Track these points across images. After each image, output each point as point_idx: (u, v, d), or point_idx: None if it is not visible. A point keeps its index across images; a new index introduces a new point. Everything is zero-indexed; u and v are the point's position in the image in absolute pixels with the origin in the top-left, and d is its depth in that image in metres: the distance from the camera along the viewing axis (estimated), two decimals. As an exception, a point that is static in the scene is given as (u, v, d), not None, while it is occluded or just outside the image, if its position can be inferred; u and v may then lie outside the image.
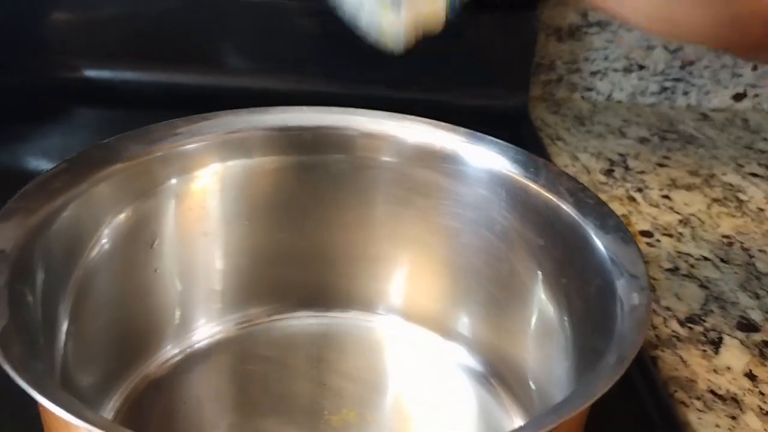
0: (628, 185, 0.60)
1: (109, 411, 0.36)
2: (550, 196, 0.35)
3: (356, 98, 0.61)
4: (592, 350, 0.29)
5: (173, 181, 0.37)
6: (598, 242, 0.31)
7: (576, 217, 0.33)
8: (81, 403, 0.23)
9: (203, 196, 0.39)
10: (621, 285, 0.29)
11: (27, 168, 0.61)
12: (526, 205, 0.36)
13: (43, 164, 0.61)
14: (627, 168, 0.63)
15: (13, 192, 0.57)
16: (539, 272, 0.35)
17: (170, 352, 0.40)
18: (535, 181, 0.36)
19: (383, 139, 0.40)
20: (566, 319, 0.33)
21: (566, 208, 0.34)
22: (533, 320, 0.36)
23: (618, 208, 0.57)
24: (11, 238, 0.29)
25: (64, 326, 0.32)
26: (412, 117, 0.40)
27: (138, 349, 0.39)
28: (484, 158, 0.38)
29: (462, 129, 0.39)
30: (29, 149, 0.63)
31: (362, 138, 0.40)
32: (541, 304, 0.35)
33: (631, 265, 0.29)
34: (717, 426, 0.39)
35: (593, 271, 0.31)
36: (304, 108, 0.40)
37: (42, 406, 0.23)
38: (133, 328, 0.38)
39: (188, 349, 0.40)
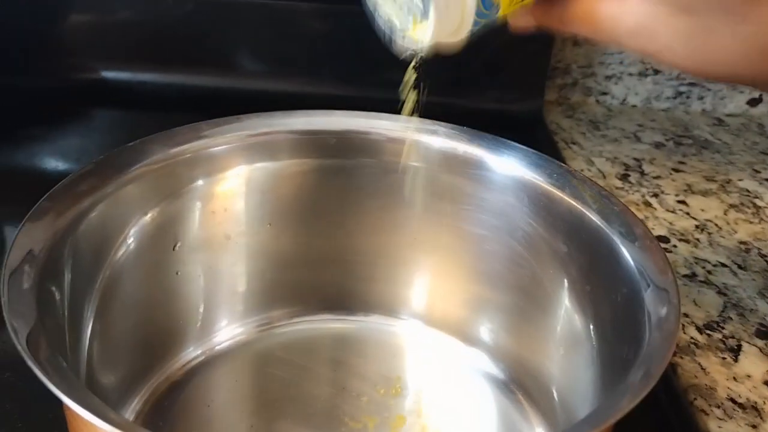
0: (644, 190, 0.60)
1: (131, 411, 0.36)
2: (575, 203, 0.35)
3: (369, 101, 0.60)
4: (619, 360, 0.28)
5: (199, 182, 0.37)
6: (624, 251, 0.31)
7: (601, 225, 0.33)
8: (105, 404, 0.23)
9: (228, 198, 0.39)
10: (648, 296, 0.28)
11: (45, 169, 0.62)
12: (550, 212, 0.36)
13: (60, 165, 0.62)
14: (642, 173, 0.63)
15: (31, 192, 0.57)
16: (564, 280, 0.35)
17: (192, 353, 0.40)
18: (559, 188, 0.36)
19: (414, 145, 0.39)
20: (592, 327, 0.33)
21: (591, 215, 0.34)
22: (558, 328, 0.36)
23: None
24: (40, 239, 0.29)
25: (90, 326, 0.32)
26: (437, 122, 0.40)
27: (161, 350, 0.39)
28: (508, 164, 0.38)
29: (486, 134, 0.39)
30: (47, 150, 0.64)
31: (389, 143, 0.40)
32: (567, 311, 0.35)
33: (658, 276, 0.29)
34: (737, 434, 0.39)
35: (619, 279, 0.31)
36: (330, 111, 0.40)
37: (67, 406, 0.23)
38: (156, 330, 0.38)
39: (210, 351, 0.41)
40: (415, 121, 0.39)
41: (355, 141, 0.40)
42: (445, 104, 0.66)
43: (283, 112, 0.40)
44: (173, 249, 0.38)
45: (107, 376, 0.35)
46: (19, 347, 0.24)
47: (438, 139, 0.40)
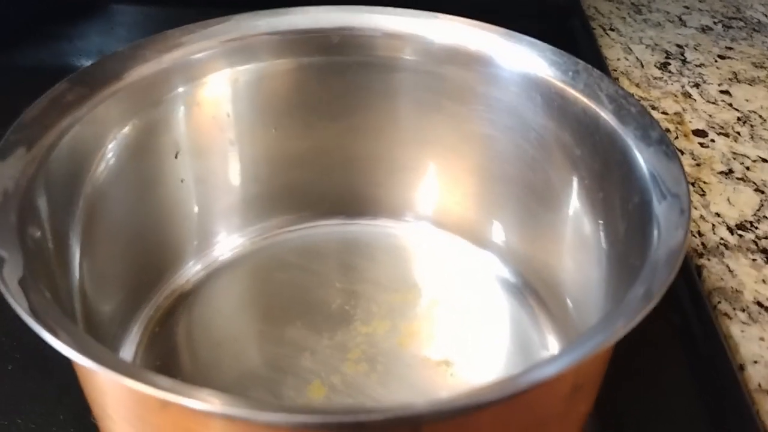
0: (685, 80, 0.56)
1: (135, 334, 0.36)
2: (590, 103, 0.32)
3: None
4: (627, 267, 0.27)
5: (180, 90, 0.36)
6: (639, 156, 0.29)
7: (616, 127, 0.31)
8: (106, 348, 0.22)
9: (217, 103, 0.37)
10: (660, 206, 0.27)
11: (68, 66, 0.61)
12: (563, 112, 0.34)
13: (83, 62, 0.61)
14: (684, 61, 0.59)
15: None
16: (575, 183, 0.33)
17: (193, 268, 0.40)
18: (574, 86, 0.33)
19: (407, 40, 0.37)
20: (602, 232, 0.31)
21: (606, 116, 0.31)
22: (568, 230, 0.35)
23: (671, 106, 0.54)
24: (13, 174, 0.28)
25: (77, 257, 0.31)
26: (440, 15, 0.37)
27: (159, 269, 0.38)
28: (519, 60, 0.35)
29: (495, 27, 0.36)
30: (69, 48, 0.63)
31: (386, 38, 0.37)
32: (577, 214, 0.34)
33: (672, 184, 0.27)
34: (761, 339, 0.37)
35: (632, 187, 0.29)
36: (322, 7, 0.37)
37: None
38: (150, 248, 0.37)
39: (212, 263, 0.40)
40: (417, 13, 0.36)
41: (354, 38, 0.37)
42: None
43: (277, 10, 0.37)
44: (175, 157, 0.37)
45: (106, 301, 0.34)
46: (10, 299, 0.23)
47: (441, 33, 0.37)
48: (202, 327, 0.38)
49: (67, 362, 0.35)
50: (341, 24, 0.37)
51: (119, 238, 0.35)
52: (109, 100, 0.32)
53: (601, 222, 0.32)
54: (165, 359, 0.36)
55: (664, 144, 0.29)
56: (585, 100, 0.32)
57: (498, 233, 0.40)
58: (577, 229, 0.34)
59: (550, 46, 0.35)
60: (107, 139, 0.33)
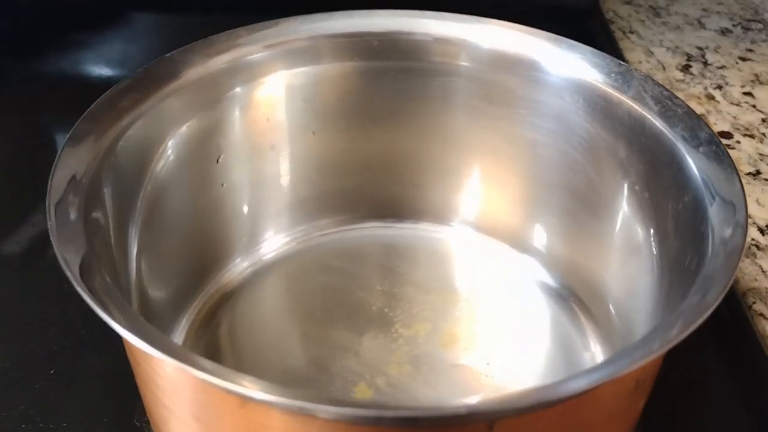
0: (707, 82, 0.57)
1: (183, 326, 0.37)
2: (635, 105, 0.33)
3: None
4: (680, 269, 0.27)
5: (237, 90, 0.36)
6: (688, 157, 0.29)
7: (663, 129, 0.31)
8: (160, 332, 0.23)
9: (269, 106, 0.38)
10: (713, 207, 0.27)
11: (90, 75, 0.62)
12: (608, 115, 0.34)
13: (105, 71, 0.62)
14: (706, 63, 0.59)
15: (77, 99, 0.57)
16: (623, 186, 0.34)
17: (241, 264, 0.40)
18: (617, 88, 0.34)
19: (454, 44, 0.37)
20: (652, 234, 0.31)
21: (652, 118, 0.32)
22: (614, 235, 0.35)
23: (695, 108, 0.54)
24: (82, 163, 0.29)
25: (136, 245, 0.32)
26: (487, 20, 0.37)
27: (209, 263, 0.39)
28: (563, 64, 0.36)
29: (540, 32, 0.36)
30: (90, 57, 0.64)
31: (435, 43, 0.37)
32: (625, 218, 0.34)
33: (724, 185, 0.28)
34: (797, 338, 0.38)
35: (682, 187, 0.29)
36: (371, 12, 0.38)
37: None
38: (203, 243, 0.38)
39: (258, 262, 0.41)
40: (463, 18, 0.37)
41: (400, 42, 0.38)
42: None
43: (322, 14, 0.38)
44: (217, 162, 0.38)
45: (158, 293, 0.35)
46: (72, 279, 0.24)
47: (488, 38, 0.37)
48: (246, 328, 0.38)
49: (107, 365, 0.36)
50: (389, 28, 0.38)
51: (175, 232, 0.36)
52: (170, 98, 0.33)
53: (650, 225, 0.32)
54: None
55: (713, 144, 0.29)
56: (629, 102, 0.33)
57: (540, 238, 0.40)
58: (623, 232, 0.35)
59: (591, 48, 0.35)
60: (168, 136, 0.33)
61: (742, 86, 0.56)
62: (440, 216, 0.43)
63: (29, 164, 0.50)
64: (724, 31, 0.63)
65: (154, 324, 0.32)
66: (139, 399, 0.34)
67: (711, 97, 0.55)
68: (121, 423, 0.34)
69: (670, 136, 0.31)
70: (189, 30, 0.55)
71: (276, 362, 0.36)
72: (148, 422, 0.34)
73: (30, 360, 0.37)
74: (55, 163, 0.28)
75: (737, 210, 0.26)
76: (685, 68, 0.59)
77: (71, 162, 0.28)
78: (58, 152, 0.29)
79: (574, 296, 0.39)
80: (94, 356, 0.37)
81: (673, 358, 0.33)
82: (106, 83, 0.59)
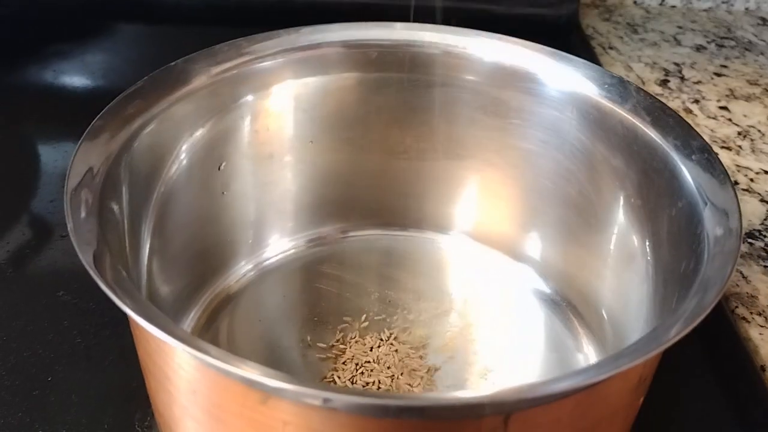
0: (685, 96, 0.59)
1: (187, 325, 0.37)
2: (627, 115, 0.34)
3: (402, 8, 0.59)
4: (676, 274, 0.28)
5: (249, 98, 0.37)
6: (681, 164, 0.31)
7: (655, 137, 0.32)
8: (168, 318, 0.24)
9: (275, 115, 0.39)
10: (707, 211, 0.28)
11: (70, 85, 0.61)
12: (602, 125, 0.35)
13: (86, 81, 0.62)
14: (683, 78, 0.61)
15: (58, 109, 0.57)
16: (617, 195, 0.35)
17: (244, 267, 0.41)
18: (611, 99, 0.35)
19: (451, 56, 0.38)
20: (647, 242, 0.32)
21: (645, 127, 0.33)
22: (609, 244, 0.36)
23: (675, 121, 0.56)
24: (97, 159, 0.29)
25: (148, 243, 0.33)
26: (488, 33, 0.38)
27: (214, 265, 0.40)
28: (558, 76, 0.37)
29: (536, 45, 0.38)
30: (71, 67, 0.63)
31: (435, 55, 0.38)
32: (620, 227, 0.35)
33: (718, 191, 0.29)
34: (779, 341, 0.39)
35: (675, 194, 0.30)
36: (372, 24, 0.39)
37: (133, 320, 0.24)
38: (209, 245, 0.39)
39: (261, 266, 0.41)
40: (462, 31, 0.38)
41: (400, 54, 0.39)
42: (476, 10, 0.65)
43: (324, 26, 0.38)
44: (218, 169, 0.38)
45: (165, 291, 0.35)
46: (87, 266, 0.25)
47: (485, 51, 0.38)
48: (245, 332, 0.38)
49: (105, 372, 0.36)
50: (389, 40, 0.39)
51: (184, 233, 0.36)
52: (184, 101, 0.34)
53: (644, 232, 0.33)
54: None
55: (706, 152, 0.30)
56: (623, 112, 0.34)
57: (536, 247, 0.41)
58: (618, 240, 0.35)
59: (585, 61, 0.37)
60: (181, 140, 0.34)
61: (718, 101, 0.58)
62: (438, 225, 0.44)
63: (11, 174, 0.50)
64: (699, 48, 0.65)
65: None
66: (140, 405, 0.34)
67: (689, 111, 0.57)
68: (123, 429, 0.34)
69: (663, 144, 0.32)
70: (171, 41, 0.55)
71: (272, 368, 0.36)
72: (149, 427, 0.34)
73: (27, 367, 0.37)
74: (72, 159, 0.29)
75: (730, 215, 0.27)
76: (663, 83, 0.61)
77: (87, 157, 0.29)
78: (75, 148, 0.30)
79: (569, 304, 0.40)
80: (91, 363, 0.37)
81: (662, 359, 0.34)
82: (88, 94, 0.60)
